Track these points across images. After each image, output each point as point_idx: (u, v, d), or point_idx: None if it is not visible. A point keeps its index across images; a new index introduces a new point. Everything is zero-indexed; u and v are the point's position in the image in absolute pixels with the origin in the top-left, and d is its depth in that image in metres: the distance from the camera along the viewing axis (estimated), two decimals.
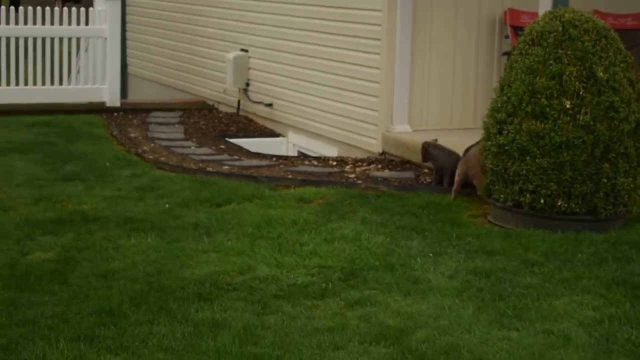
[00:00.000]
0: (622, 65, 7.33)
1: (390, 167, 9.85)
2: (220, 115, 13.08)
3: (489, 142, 7.59)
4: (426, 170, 9.51)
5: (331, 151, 10.99)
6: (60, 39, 12.86)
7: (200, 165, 9.78)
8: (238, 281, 6.34)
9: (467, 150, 8.76)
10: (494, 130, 7.56)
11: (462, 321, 5.65)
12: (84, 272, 6.50)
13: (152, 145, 10.92)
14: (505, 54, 10.38)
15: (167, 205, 8.14)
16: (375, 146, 10.30)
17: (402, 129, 10.18)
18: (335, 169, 9.69)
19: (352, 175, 9.34)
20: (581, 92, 7.24)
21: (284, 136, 12.07)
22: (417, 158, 9.70)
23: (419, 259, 6.71)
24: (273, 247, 6.98)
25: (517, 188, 7.42)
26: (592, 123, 7.22)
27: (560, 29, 7.35)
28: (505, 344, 5.34)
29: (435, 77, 10.32)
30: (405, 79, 10.14)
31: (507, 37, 10.41)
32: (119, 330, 5.51)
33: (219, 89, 13.39)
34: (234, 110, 12.98)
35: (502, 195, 7.56)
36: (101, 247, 7.02)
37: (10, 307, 5.84)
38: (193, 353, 5.22)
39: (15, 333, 5.46)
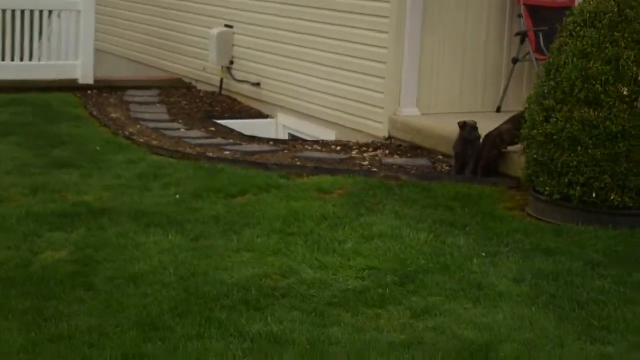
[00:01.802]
0: None
1: (399, 153, 9.28)
2: (201, 94, 12.37)
3: (535, 131, 7.05)
4: (440, 157, 8.96)
5: (328, 134, 10.37)
6: (31, 12, 11.99)
7: (198, 150, 9.10)
8: (283, 286, 5.72)
9: (488, 137, 8.24)
10: (541, 118, 7.03)
11: (549, 334, 5.11)
12: (108, 275, 5.83)
13: (139, 127, 10.20)
14: (518, 34, 9.85)
15: (177, 196, 7.48)
16: (381, 130, 9.71)
17: (410, 112, 9.60)
18: (343, 155, 9.08)
19: (366, 163, 8.74)
20: (639, 78, 6.72)
21: (272, 117, 11.42)
22: (429, 144, 9.18)
23: (475, 260, 6.16)
24: (310, 246, 6.37)
25: (566, 180, 6.89)
26: None
27: (615, 9, 6.82)
28: None
29: (445, 59, 9.76)
30: (414, 60, 9.56)
31: (520, 16, 9.86)
32: (168, 346, 4.87)
33: (198, 66, 12.67)
34: (215, 89, 12.29)
35: (547, 188, 7.04)
36: (119, 245, 6.34)
37: (39, 319, 5.16)
38: None
39: (51, 352, 4.78)
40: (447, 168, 8.63)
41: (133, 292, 5.57)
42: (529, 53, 9.86)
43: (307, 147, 9.59)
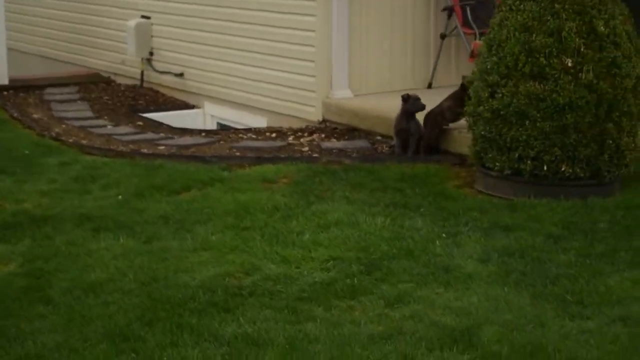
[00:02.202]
0: (620, 18, 6.83)
1: (335, 136, 9.17)
2: (122, 88, 12.07)
3: (481, 107, 6.99)
4: (379, 138, 8.88)
5: (259, 122, 10.21)
6: None
7: (131, 147, 8.86)
8: (248, 283, 5.57)
9: (429, 115, 8.18)
10: (486, 94, 6.97)
11: (526, 313, 5.06)
12: (63, 287, 5.60)
13: (64, 126, 9.90)
14: (444, 9, 9.81)
15: (119, 197, 7.25)
16: (313, 114, 9.58)
17: (343, 94, 9.50)
18: (280, 142, 8.94)
19: (306, 149, 8.61)
20: (582, 49, 6.72)
21: (198, 107, 11.19)
22: (365, 125, 9.09)
23: (437, 242, 6.09)
24: (267, 240, 6.23)
25: (516, 155, 6.86)
26: (595, 81, 6.72)
27: None
28: (588, 337, 4.79)
29: (374, 38, 9.66)
30: (343, 41, 9.44)
31: None
32: (144, 358, 4.69)
33: (116, 59, 12.36)
34: (135, 82, 12.00)
35: (497, 164, 7.00)
36: (70, 254, 6.11)
37: (2, 340, 4.92)
38: None
39: None
40: (387, 148, 8.55)
41: (94, 303, 5.36)
42: (455, 27, 9.83)
43: (241, 136, 9.42)
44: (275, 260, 5.90)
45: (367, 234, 6.27)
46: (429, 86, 9.95)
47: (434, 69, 9.95)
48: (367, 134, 9.03)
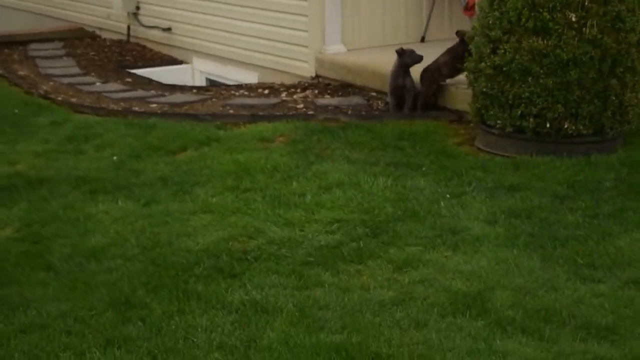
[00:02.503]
0: None
1: (329, 92, 9.04)
2: (108, 43, 11.88)
3: (482, 64, 6.87)
4: (374, 94, 8.76)
5: (250, 77, 10.06)
6: None
7: (123, 105, 8.72)
8: (253, 247, 5.47)
9: (425, 71, 8.05)
10: (487, 50, 6.85)
11: (537, 277, 4.99)
12: (64, 253, 5.49)
13: (52, 83, 9.73)
14: None
15: (115, 158, 7.13)
16: (306, 70, 9.44)
17: (336, 49, 9.35)
18: (274, 99, 8.80)
19: (300, 106, 8.48)
20: (586, 3, 6.59)
21: (187, 63, 11.02)
22: (360, 81, 8.96)
23: (442, 203, 6.00)
24: (269, 202, 6.12)
25: (518, 112, 6.75)
26: (599, 36, 6.60)
27: None
28: (602, 301, 4.72)
29: None
30: None
31: None
32: (151, 326, 4.60)
33: (102, 14, 12.15)
34: (121, 37, 11.81)
35: (498, 121, 6.90)
36: (68, 218, 6.00)
37: (4, 308, 4.81)
38: (256, 350, 4.37)
39: (27, 344, 4.46)
40: (383, 105, 8.42)
41: (96, 269, 5.26)
42: None
43: (233, 92, 9.28)
44: (278, 223, 5.80)
45: (369, 195, 6.17)
46: (422, 40, 9.82)
47: (427, 22, 9.81)
48: (362, 90, 8.90)
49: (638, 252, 5.26)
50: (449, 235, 5.53)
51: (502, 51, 6.75)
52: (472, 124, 7.70)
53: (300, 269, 5.18)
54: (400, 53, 7.99)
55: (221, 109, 8.46)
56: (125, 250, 5.47)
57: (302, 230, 5.69)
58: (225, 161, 6.91)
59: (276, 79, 9.68)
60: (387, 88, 8.37)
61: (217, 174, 6.66)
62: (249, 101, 8.70)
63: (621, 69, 6.68)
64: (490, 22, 6.82)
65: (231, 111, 8.35)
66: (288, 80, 9.54)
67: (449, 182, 6.36)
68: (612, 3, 6.62)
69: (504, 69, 6.74)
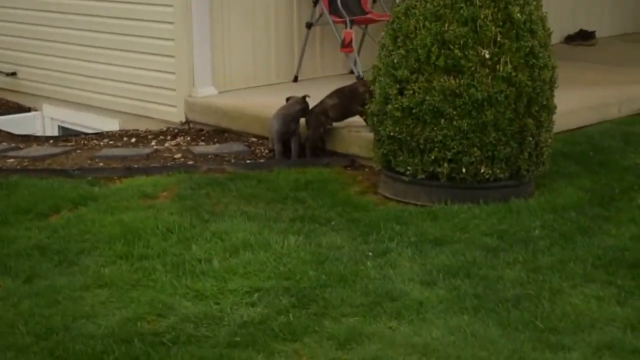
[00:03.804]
0: (534, 3, 6.31)
1: (203, 138, 8.35)
2: None
3: (389, 106, 6.34)
4: (254, 140, 8.12)
5: (109, 124, 9.26)
6: None
7: None
8: (166, 328, 4.73)
9: (310, 114, 7.47)
10: (394, 91, 6.32)
11: (502, 347, 4.44)
12: None
13: None
14: None
15: None
16: (175, 115, 8.73)
17: (207, 91, 8.68)
18: (146, 149, 8.04)
19: (178, 155, 7.75)
20: (499, 39, 6.15)
21: (36, 110, 10.12)
22: (237, 125, 8.32)
23: (367, 263, 5.40)
24: (171, 270, 5.39)
25: (431, 157, 6.24)
26: (513, 74, 6.17)
27: None
28: None
29: (236, 30, 8.87)
30: (205, 34, 8.61)
31: None
32: None
33: None
34: None
35: (409, 167, 6.37)
36: None
37: None
38: None
39: None
40: (267, 152, 7.79)
41: None
42: (321, 15, 9.16)
43: (96, 142, 8.47)
44: (188, 296, 5.08)
45: (283, 256, 5.52)
46: (295, 79, 9.27)
47: (300, 61, 9.26)
48: (240, 136, 8.25)
49: (596, 310, 4.80)
50: (386, 301, 4.93)
51: (411, 92, 6.25)
52: (367, 169, 7.23)
53: (228, 352, 4.48)
54: (294, 100, 7.43)
55: (89, 161, 7.64)
56: (15, 340, 4.63)
57: (218, 304, 4.99)
58: (108, 223, 6.13)
59: (140, 126, 8.93)
60: (268, 133, 7.79)
61: (102, 238, 5.88)
62: (118, 152, 7.91)
63: (537, 108, 6.28)
64: (395, 60, 6.31)
65: (101, 164, 7.55)
66: (154, 127, 8.81)
67: (367, 238, 5.78)
68: (525, 38, 6.21)
69: (414, 110, 6.23)
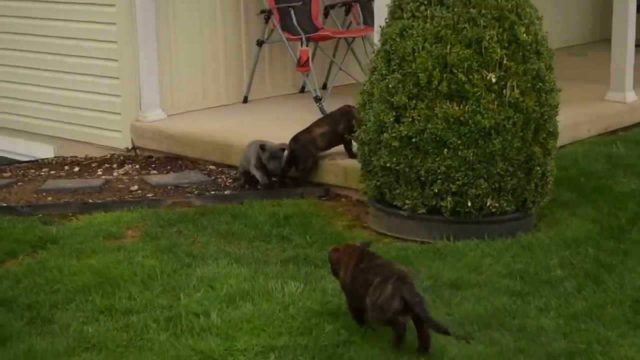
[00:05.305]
0: (538, 22, 5.86)
1: (154, 167, 7.69)
2: None
3: (385, 135, 5.80)
4: (212, 167, 7.51)
5: (43, 150, 8.53)
6: None
7: None
8: None
9: (296, 143, 6.85)
10: (390, 119, 5.79)
11: None
12: None
13: None
14: (262, 12, 8.52)
15: None
16: (120, 141, 8.05)
17: (155, 115, 8.03)
18: (94, 180, 7.33)
19: (135, 187, 7.07)
20: (505, 62, 5.68)
21: None
22: (192, 152, 7.70)
23: None
24: (166, 327, 4.75)
25: (434, 190, 5.73)
26: (520, 99, 5.71)
27: None
28: None
29: (183, 49, 8.24)
30: (151, 54, 7.95)
31: None
32: None
33: None
34: None
35: (407, 201, 5.84)
36: None
37: None
38: None
39: None
40: (231, 181, 7.18)
41: None
42: (272, 32, 8.58)
43: (33, 171, 7.73)
44: (193, 359, 4.44)
45: (289, 306, 4.93)
46: (245, 100, 8.68)
47: (250, 81, 8.66)
48: (195, 163, 7.62)
49: None
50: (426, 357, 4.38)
51: (410, 119, 5.72)
52: (343, 199, 6.74)
53: None
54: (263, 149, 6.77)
55: (35, 196, 6.91)
56: None
57: None
58: (77, 270, 5.45)
59: (79, 152, 8.22)
60: (228, 161, 7.21)
61: (75, 289, 5.20)
62: (66, 184, 7.18)
63: (544, 135, 5.83)
64: (390, 85, 5.77)
65: (49, 198, 6.83)
66: (95, 153, 8.12)
67: None
68: (531, 60, 5.75)
69: (414, 140, 5.71)
